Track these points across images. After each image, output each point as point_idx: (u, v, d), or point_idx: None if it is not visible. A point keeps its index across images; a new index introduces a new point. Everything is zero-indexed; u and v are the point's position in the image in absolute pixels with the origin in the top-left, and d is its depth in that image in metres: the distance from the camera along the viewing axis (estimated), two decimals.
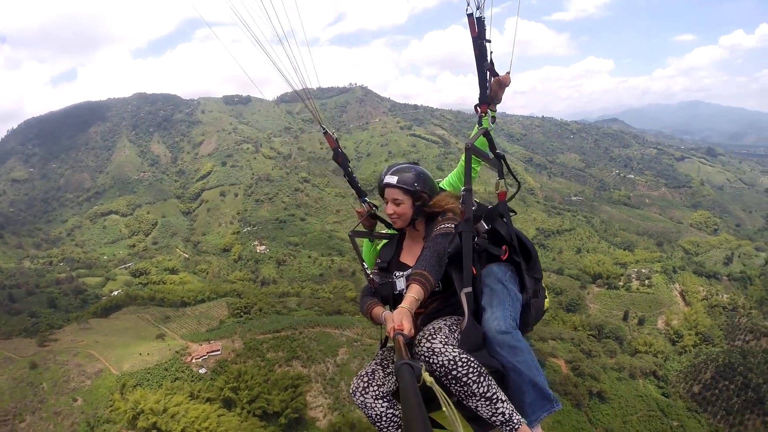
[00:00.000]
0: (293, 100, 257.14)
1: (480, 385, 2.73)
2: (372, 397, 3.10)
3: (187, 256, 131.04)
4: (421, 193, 3.42)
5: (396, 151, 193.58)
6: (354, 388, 3.19)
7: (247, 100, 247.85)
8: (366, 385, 3.15)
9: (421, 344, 2.80)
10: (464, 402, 2.79)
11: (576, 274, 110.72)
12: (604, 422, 64.09)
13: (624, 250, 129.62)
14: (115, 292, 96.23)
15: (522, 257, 3.34)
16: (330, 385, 62.73)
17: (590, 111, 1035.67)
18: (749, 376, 72.02)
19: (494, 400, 2.76)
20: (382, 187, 3.50)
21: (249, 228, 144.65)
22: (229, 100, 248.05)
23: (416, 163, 3.65)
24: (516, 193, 3.61)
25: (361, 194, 4.09)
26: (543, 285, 3.50)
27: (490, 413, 2.76)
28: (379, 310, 3.26)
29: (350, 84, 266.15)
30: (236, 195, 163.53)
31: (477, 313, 3.05)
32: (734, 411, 69.29)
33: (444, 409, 1.99)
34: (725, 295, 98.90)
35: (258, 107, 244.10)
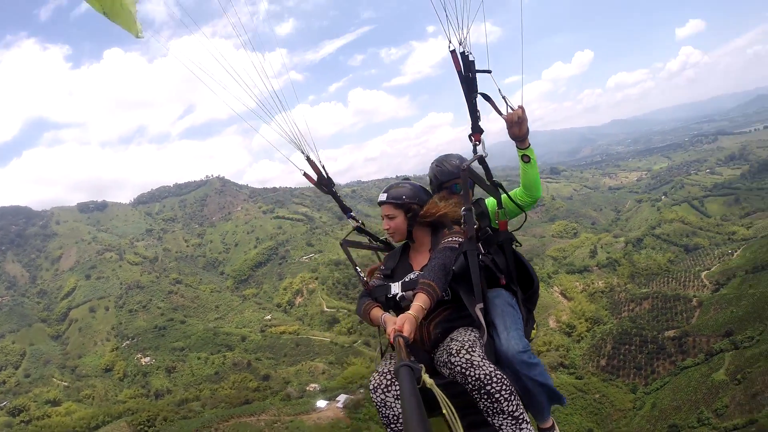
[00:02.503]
0: (151, 201, 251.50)
1: (510, 403, 2.78)
2: (393, 397, 3.01)
3: (66, 383, 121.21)
4: (410, 204, 3.52)
5: (263, 236, 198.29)
6: (375, 385, 3.08)
7: (103, 206, 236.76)
8: (389, 383, 3.06)
9: (460, 354, 2.80)
10: (489, 419, 2.85)
11: None
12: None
13: None
14: None
15: (521, 286, 3.47)
16: None
17: None
18: (644, 333, 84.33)
19: (520, 420, 2.81)
20: (380, 205, 3.64)
21: (128, 341, 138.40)
22: (84, 208, 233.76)
23: (408, 179, 3.89)
24: (522, 223, 3.67)
25: (345, 210, 4.22)
26: (534, 317, 3.63)
27: None
28: (378, 312, 3.23)
29: (207, 176, 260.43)
30: (107, 309, 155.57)
31: (487, 329, 3.11)
32: (643, 365, 79.96)
33: (444, 411, 2.05)
34: (600, 282, 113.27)
35: (115, 212, 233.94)
